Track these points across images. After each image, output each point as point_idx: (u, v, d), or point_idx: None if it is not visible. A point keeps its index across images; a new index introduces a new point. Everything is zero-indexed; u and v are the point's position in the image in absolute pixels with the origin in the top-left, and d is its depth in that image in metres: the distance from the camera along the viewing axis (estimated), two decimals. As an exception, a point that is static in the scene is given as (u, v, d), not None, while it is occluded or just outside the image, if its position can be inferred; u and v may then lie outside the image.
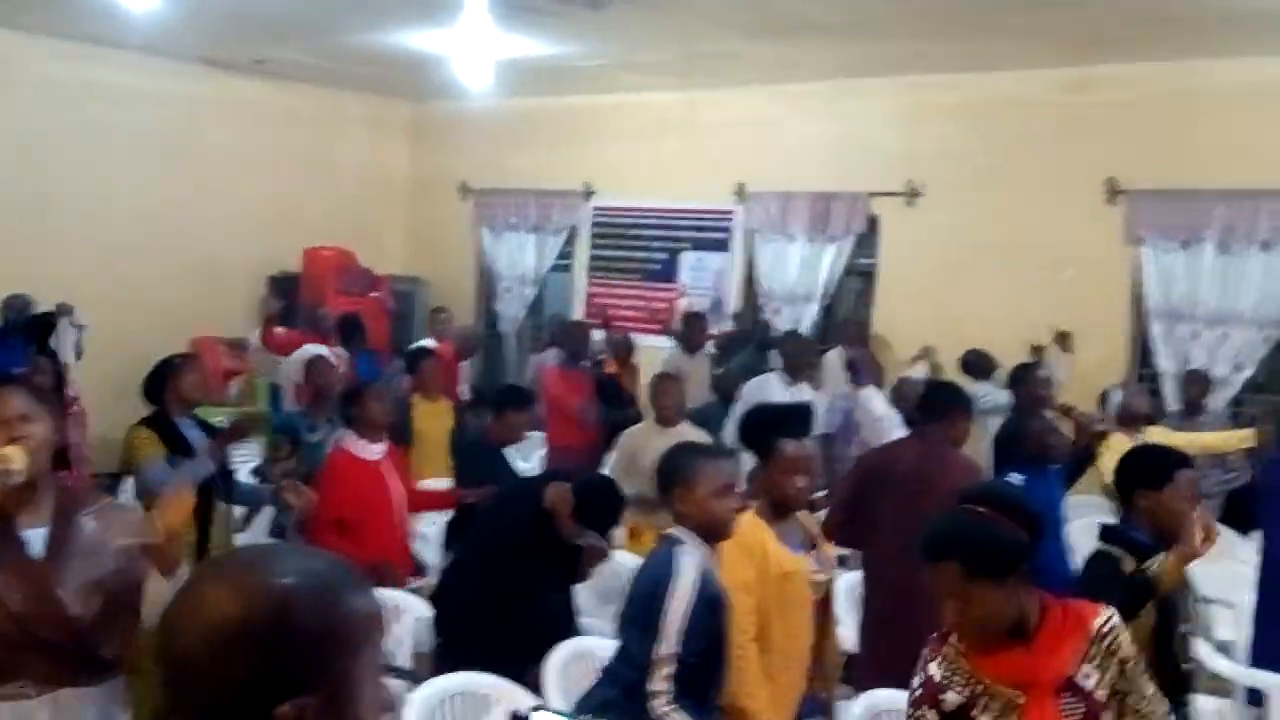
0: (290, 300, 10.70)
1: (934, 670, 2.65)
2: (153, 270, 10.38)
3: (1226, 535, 7.25)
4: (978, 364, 8.23)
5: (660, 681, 3.23)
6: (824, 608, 3.99)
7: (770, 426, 3.97)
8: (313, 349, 8.37)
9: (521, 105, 11.22)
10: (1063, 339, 8.10)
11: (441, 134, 12.40)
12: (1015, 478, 5.20)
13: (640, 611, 3.37)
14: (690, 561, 3.34)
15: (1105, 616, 2.69)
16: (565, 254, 11.60)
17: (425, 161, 12.58)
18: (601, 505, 4.67)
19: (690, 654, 3.27)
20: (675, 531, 3.46)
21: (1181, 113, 8.11)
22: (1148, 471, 3.52)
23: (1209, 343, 8.02)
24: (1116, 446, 5.69)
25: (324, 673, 1.26)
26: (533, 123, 11.43)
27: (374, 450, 5.53)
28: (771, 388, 7.31)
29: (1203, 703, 4.43)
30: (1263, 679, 5.43)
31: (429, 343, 9.26)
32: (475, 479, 5.70)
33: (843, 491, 5.12)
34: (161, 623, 1.30)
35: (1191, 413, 7.79)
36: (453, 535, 5.90)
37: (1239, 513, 7.87)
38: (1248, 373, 7.96)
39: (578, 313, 11.21)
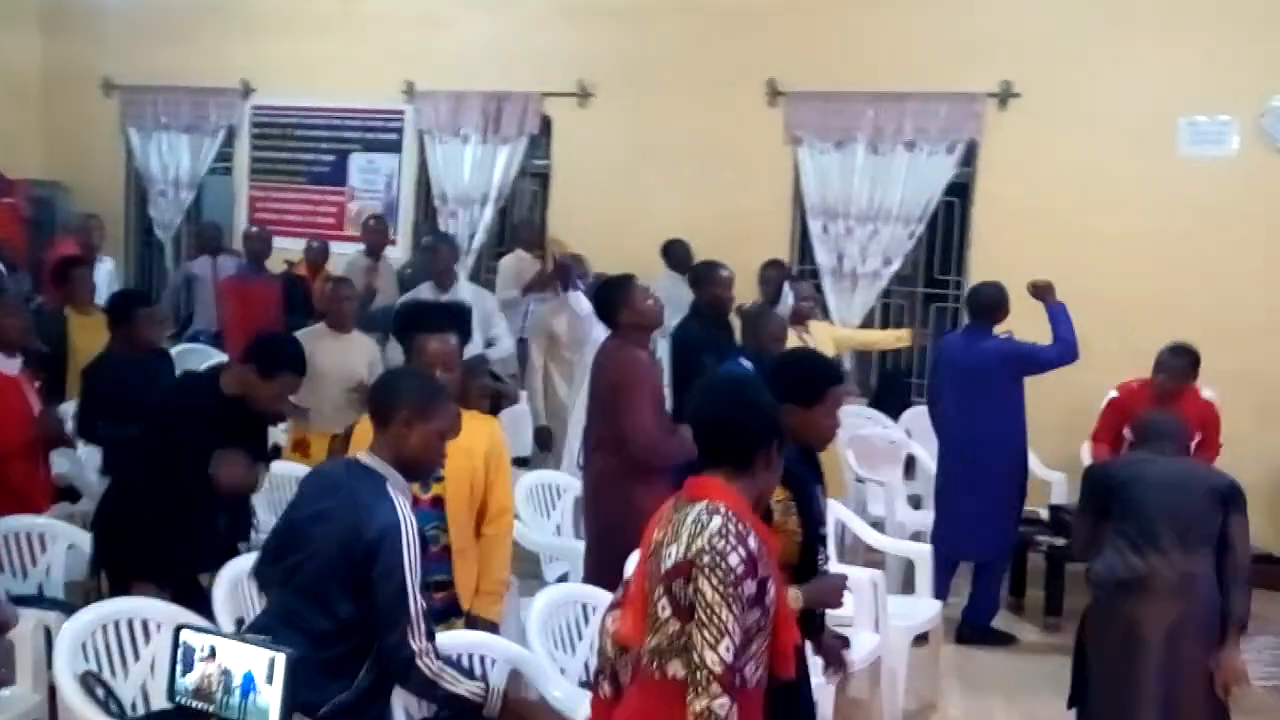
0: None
1: (753, 543, 2.51)
2: None
3: (878, 417, 7.82)
4: (677, 254, 8.24)
5: (423, 639, 3.00)
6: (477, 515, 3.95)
7: (412, 322, 4.14)
8: None
9: (169, -6, 10.42)
10: None
11: (78, 25, 11.32)
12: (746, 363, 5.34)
13: (355, 563, 3.02)
14: (405, 505, 3.10)
15: None
16: (225, 156, 10.95)
17: (60, 55, 11.47)
18: (288, 356, 4.35)
19: None
20: (376, 465, 3.15)
21: (835, 17, 8.44)
22: (799, 388, 3.27)
23: (861, 239, 8.49)
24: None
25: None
26: (182, 14, 10.63)
27: (10, 365, 5.17)
28: (421, 296, 7.21)
29: (858, 573, 4.77)
30: (909, 549, 5.92)
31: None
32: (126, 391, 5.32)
33: None
34: None
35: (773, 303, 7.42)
36: (111, 458, 5.49)
37: (889, 396, 8.50)
38: (895, 266, 8.49)
39: (240, 218, 10.65)
